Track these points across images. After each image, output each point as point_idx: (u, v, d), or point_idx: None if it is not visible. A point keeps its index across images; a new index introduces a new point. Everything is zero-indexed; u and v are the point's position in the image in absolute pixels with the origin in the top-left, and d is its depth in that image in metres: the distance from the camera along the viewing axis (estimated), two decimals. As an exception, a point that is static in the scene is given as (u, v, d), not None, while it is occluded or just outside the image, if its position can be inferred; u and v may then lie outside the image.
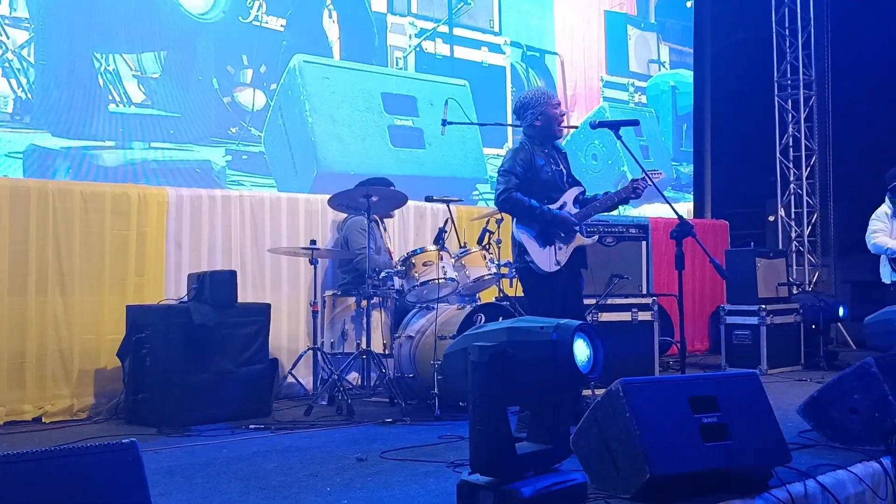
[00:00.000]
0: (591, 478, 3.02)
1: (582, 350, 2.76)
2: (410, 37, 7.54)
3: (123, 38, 5.94)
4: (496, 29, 8.21)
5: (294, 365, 5.95)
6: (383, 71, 7.37)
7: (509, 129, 8.00)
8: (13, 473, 1.85)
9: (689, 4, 10.35)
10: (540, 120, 4.87)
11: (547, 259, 4.72)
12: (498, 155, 7.97)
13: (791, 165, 10.75)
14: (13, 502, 1.81)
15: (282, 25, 6.70)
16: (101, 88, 5.83)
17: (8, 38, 5.43)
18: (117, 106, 5.86)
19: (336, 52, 7.07)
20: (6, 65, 5.43)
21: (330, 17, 7.02)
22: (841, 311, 8.46)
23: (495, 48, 8.18)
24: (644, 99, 9.66)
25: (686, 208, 9.98)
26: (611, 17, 9.32)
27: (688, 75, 10.28)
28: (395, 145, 7.33)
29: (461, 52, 7.90)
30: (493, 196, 7.69)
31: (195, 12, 6.24)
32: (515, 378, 2.73)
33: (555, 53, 8.71)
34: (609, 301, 6.54)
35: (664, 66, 9.93)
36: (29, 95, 5.54)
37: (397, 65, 7.44)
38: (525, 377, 2.73)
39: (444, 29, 7.78)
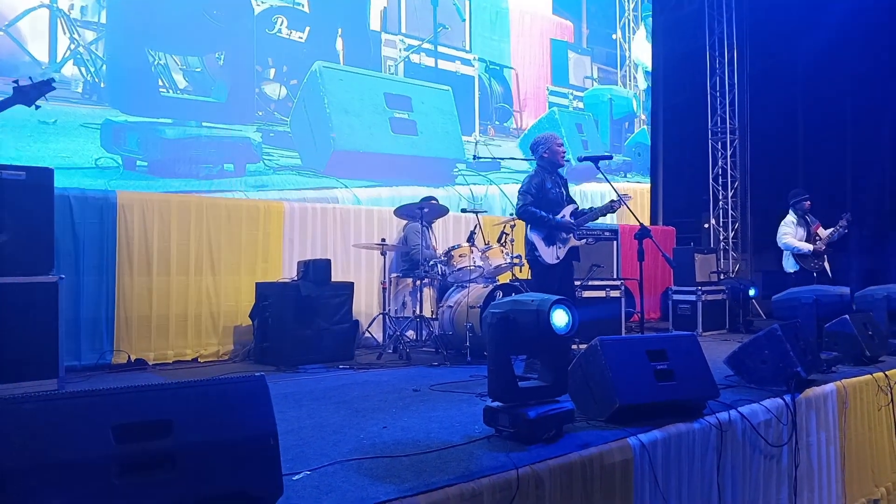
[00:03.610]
0: (577, 406, 3.00)
1: (562, 317, 2.75)
2: (400, 50, 7.20)
3: (175, 41, 5.62)
4: (467, 47, 7.88)
5: (369, 325, 6.02)
6: (385, 76, 7.04)
7: (476, 120, 7.78)
8: (183, 395, 1.90)
9: (614, 37, 9.77)
10: (547, 154, 4.84)
11: (551, 254, 4.71)
12: (468, 141, 7.76)
13: (720, 188, 10.63)
14: (182, 415, 1.86)
15: (300, 37, 6.38)
16: (155, 77, 5.55)
17: (79, 35, 5.21)
18: (167, 91, 5.53)
19: (341, 59, 6.73)
20: (77, 56, 5.20)
21: (337, 31, 6.69)
22: (752, 292, 8.30)
23: (466, 62, 7.87)
24: (581, 105, 9.19)
25: (622, 186, 9.29)
26: (555, 44, 8.94)
27: (621, 90, 9.78)
28: (394, 132, 7.01)
29: (441, 64, 7.59)
30: (470, 173, 7.72)
31: (227, 24, 5.94)
32: (515, 334, 2.74)
33: (511, 67, 8.37)
34: (590, 283, 6.48)
35: (595, 81, 9.46)
36: (96, 79, 5.26)
37: (389, 71, 7.09)
38: (521, 334, 2.74)
39: (428, 46, 7.45)
